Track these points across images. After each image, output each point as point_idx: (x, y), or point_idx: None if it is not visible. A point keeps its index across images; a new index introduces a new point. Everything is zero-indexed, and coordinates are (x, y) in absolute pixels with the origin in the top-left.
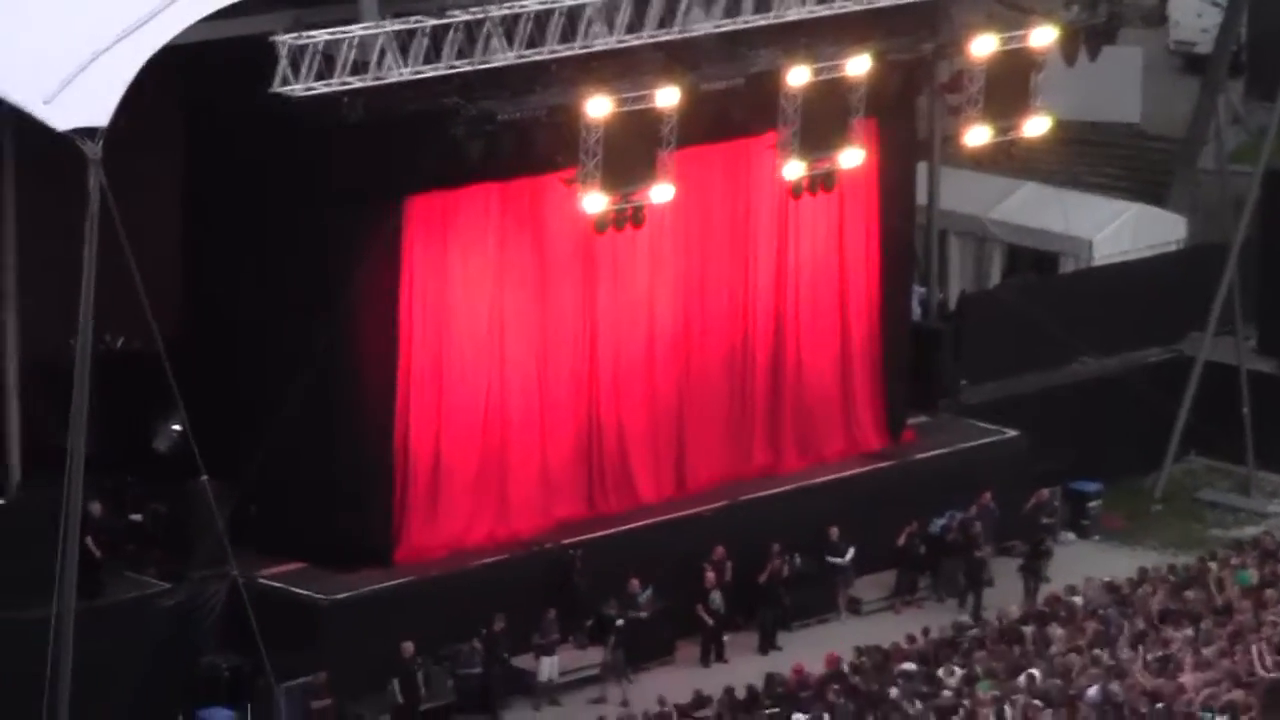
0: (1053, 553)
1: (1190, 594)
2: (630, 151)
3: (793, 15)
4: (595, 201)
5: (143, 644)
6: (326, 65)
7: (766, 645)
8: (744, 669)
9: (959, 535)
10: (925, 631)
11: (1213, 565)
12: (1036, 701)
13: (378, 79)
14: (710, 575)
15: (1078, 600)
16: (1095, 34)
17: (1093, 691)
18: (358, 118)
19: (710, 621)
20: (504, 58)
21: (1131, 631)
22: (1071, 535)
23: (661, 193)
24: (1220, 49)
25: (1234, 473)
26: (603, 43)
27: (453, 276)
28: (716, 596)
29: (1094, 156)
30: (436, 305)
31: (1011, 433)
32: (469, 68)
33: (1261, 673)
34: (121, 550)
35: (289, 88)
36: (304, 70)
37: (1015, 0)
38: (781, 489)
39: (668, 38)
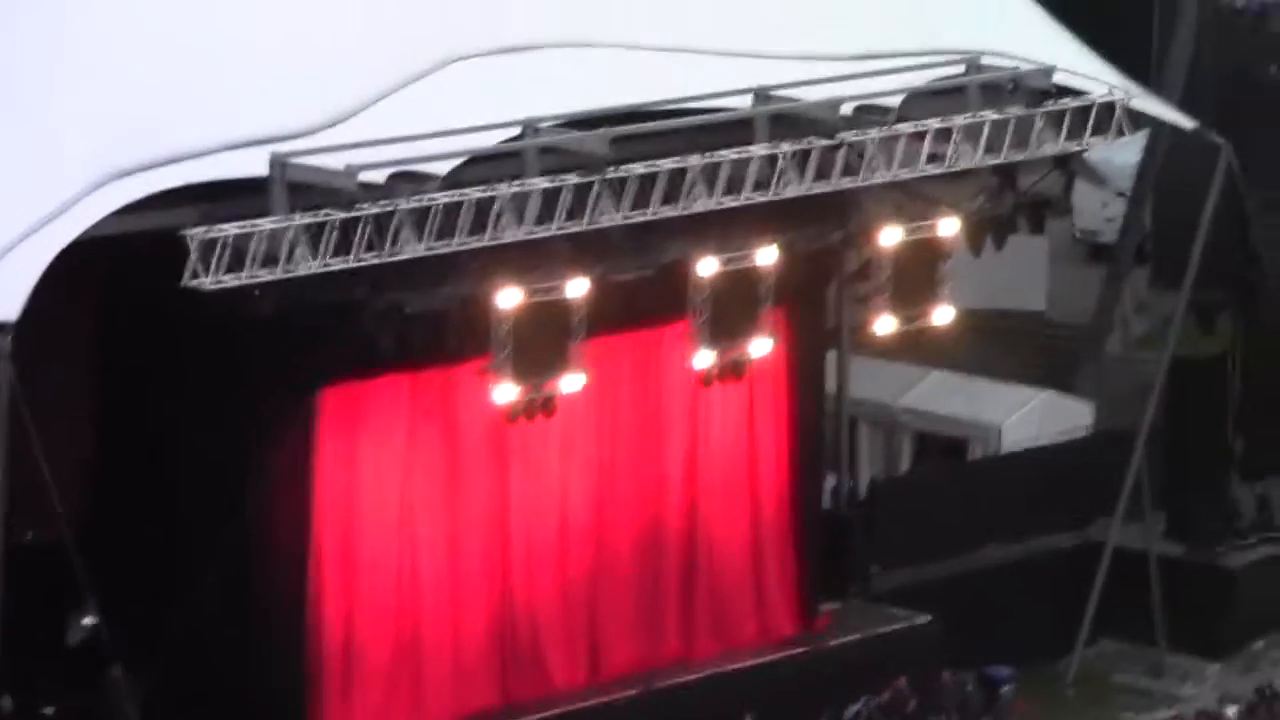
0: None
1: None
2: (541, 341)
3: (700, 206)
4: (506, 392)
5: None
6: (236, 259)
7: None
8: None
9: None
10: None
11: None
12: None
13: (288, 272)
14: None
15: None
16: (1001, 225)
17: None
18: (269, 310)
19: None
20: (413, 249)
21: None
22: None
23: (572, 382)
24: (1125, 238)
25: (1146, 656)
26: (512, 234)
27: (364, 466)
28: None
29: (1001, 344)
30: (348, 495)
31: (924, 618)
32: (378, 260)
33: None
34: None
35: (199, 281)
36: (214, 263)
37: (922, 191)
38: (695, 675)
39: (577, 229)
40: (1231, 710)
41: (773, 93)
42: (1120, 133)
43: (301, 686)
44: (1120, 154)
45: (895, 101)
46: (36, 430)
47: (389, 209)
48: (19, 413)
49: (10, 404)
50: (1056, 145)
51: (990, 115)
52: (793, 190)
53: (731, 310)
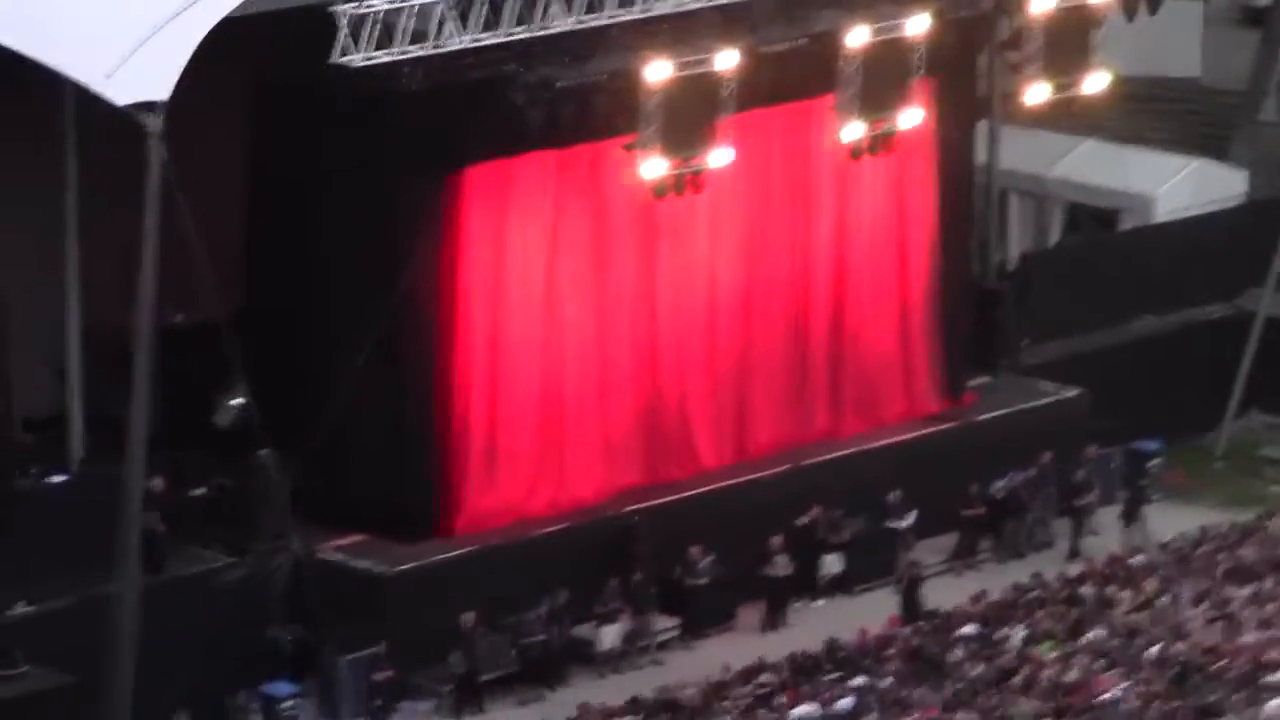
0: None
1: (1250, 551)
2: (690, 116)
3: None
4: (655, 167)
5: (206, 618)
6: (386, 34)
7: None
8: (806, 634)
9: (1026, 492)
10: (984, 594)
11: (1273, 523)
12: (1098, 662)
13: (437, 47)
14: (776, 540)
15: (1138, 560)
16: None
17: (1153, 651)
18: (418, 86)
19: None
20: (563, 24)
21: (1192, 591)
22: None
23: (721, 157)
24: None
25: None
26: (661, 6)
27: (511, 244)
28: (781, 559)
29: (1154, 112)
30: (494, 273)
31: (1073, 391)
32: (528, 34)
33: None
34: (185, 525)
35: (349, 58)
36: (364, 40)
37: None
38: (842, 453)
39: (726, 1)
40: None
41: None
42: None
43: (448, 467)
44: None
45: None
46: (188, 210)
47: None
48: (172, 193)
49: (163, 184)
50: None
51: None
52: None
53: (881, 81)
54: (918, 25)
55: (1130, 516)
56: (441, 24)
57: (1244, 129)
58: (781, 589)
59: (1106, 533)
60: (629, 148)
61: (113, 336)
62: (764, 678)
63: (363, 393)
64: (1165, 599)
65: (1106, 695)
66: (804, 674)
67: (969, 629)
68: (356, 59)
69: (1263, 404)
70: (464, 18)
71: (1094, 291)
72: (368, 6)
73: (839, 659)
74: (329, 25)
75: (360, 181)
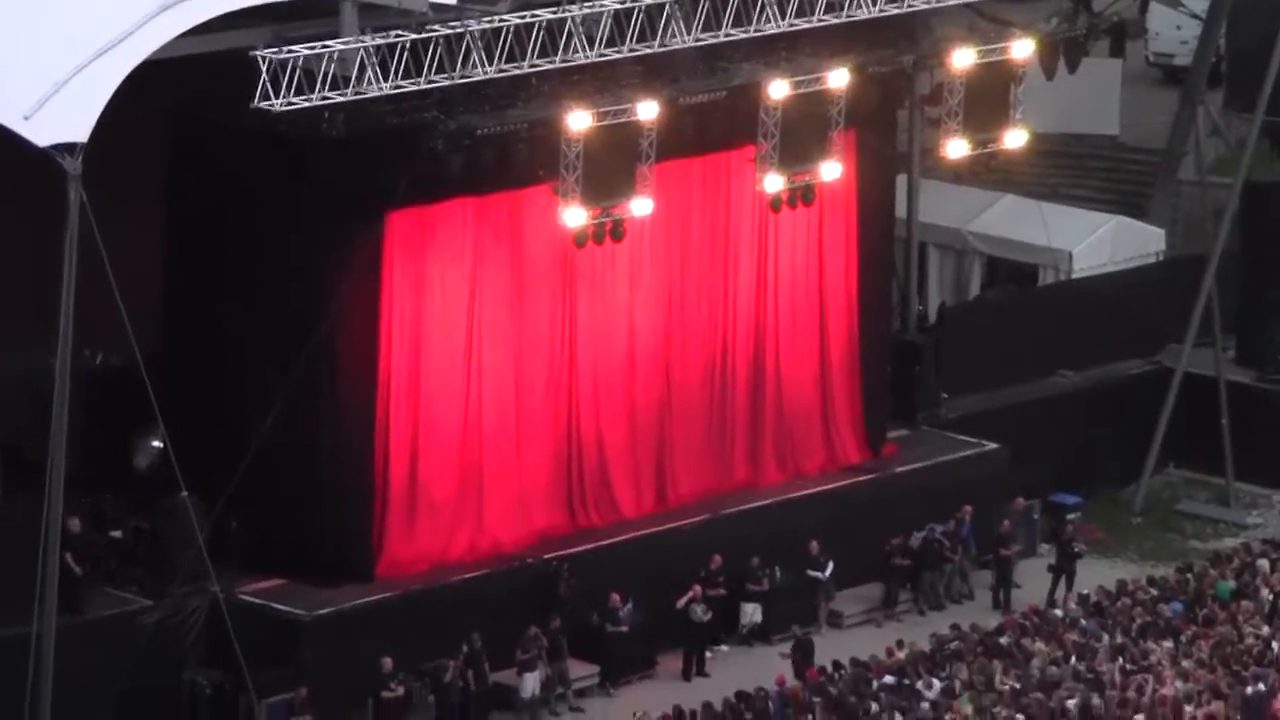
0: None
1: (1168, 606)
2: (610, 165)
3: (772, 29)
4: (575, 215)
5: (124, 660)
6: (307, 80)
7: None
8: (725, 683)
9: (944, 544)
10: (901, 644)
11: (1191, 577)
12: (1018, 716)
13: (358, 94)
14: (696, 588)
15: (1057, 613)
16: (1074, 47)
17: (1072, 703)
18: (338, 132)
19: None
20: (484, 72)
21: (1111, 644)
22: (1048, 547)
23: (641, 206)
24: (1199, 61)
25: (1213, 484)
26: (583, 57)
27: (431, 290)
28: (698, 609)
29: (1073, 169)
30: (414, 319)
31: (992, 445)
32: (449, 82)
33: None
34: (102, 566)
35: (269, 102)
36: (285, 85)
37: (995, 13)
38: (762, 502)
39: (648, 51)
40: None
41: None
42: None
43: (368, 511)
44: None
45: None
46: (107, 252)
47: (460, 30)
48: (92, 233)
49: (81, 225)
50: None
51: None
52: (865, 12)
53: (801, 134)
54: (838, 79)
55: (1061, 570)
56: (362, 70)
57: (1162, 187)
58: (700, 636)
59: (1029, 584)
60: (553, 193)
61: (30, 377)
62: None
63: (283, 436)
64: (1084, 652)
65: None
66: None
67: (888, 679)
68: (277, 104)
69: (1181, 459)
70: (385, 65)
71: (1013, 346)
72: (289, 52)
73: (758, 708)
74: (250, 69)
75: (281, 225)
